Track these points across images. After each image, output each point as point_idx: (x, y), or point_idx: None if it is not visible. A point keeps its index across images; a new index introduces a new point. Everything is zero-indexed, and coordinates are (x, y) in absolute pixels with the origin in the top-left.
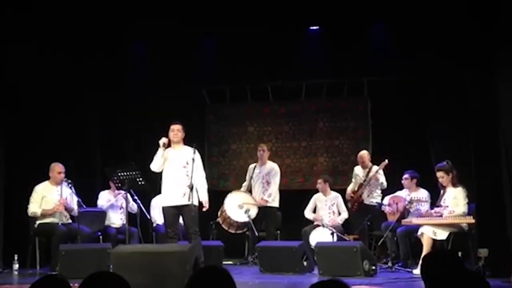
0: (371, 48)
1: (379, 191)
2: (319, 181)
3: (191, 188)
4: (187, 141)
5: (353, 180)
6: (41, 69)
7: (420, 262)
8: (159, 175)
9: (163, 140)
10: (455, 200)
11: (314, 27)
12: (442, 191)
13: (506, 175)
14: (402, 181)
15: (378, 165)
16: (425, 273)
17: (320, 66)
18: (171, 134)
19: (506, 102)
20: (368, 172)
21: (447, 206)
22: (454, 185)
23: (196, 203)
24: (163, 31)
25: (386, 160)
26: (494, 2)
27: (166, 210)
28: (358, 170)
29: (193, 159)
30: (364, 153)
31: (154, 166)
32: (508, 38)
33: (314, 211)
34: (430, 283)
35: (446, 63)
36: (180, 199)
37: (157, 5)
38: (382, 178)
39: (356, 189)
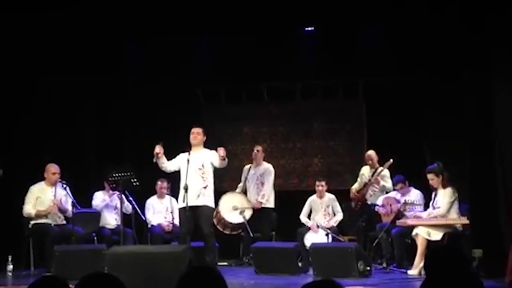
0: (366, 49)
1: (383, 193)
2: (322, 183)
3: (186, 189)
4: (183, 142)
5: (358, 180)
6: (33, 72)
7: (428, 255)
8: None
9: (156, 150)
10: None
11: (309, 28)
12: (434, 193)
13: (500, 175)
14: (397, 190)
15: (382, 165)
16: (430, 267)
17: (315, 67)
18: (191, 136)
19: (501, 103)
20: (374, 172)
21: (439, 208)
22: (444, 186)
23: (211, 204)
24: (158, 31)
25: (391, 160)
26: (486, 6)
27: (181, 211)
28: (364, 170)
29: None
30: (371, 153)
31: (165, 170)
32: (502, 40)
33: (310, 214)
34: (431, 278)
35: (441, 64)
36: (195, 200)
37: (152, 5)
38: (386, 182)
39: (360, 188)
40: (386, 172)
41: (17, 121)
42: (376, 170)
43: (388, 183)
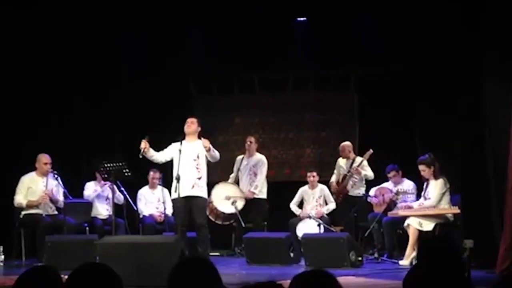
0: (358, 40)
1: (363, 182)
2: (313, 174)
3: (178, 179)
4: (174, 133)
5: (335, 171)
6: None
7: (421, 245)
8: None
9: (141, 145)
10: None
11: (301, 18)
12: (425, 183)
13: (491, 165)
14: (389, 178)
15: (363, 156)
16: (423, 257)
17: (307, 58)
18: (185, 126)
19: (492, 96)
20: (352, 163)
21: (430, 198)
22: (436, 177)
23: (205, 196)
24: (150, 23)
25: (371, 150)
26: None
27: (175, 202)
28: (341, 162)
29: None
30: (345, 144)
31: (156, 161)
32: (494, 35)
33: (300, 203)
34: (424, 268)
35: (433, 55)
36: (189, 191)
37: None
38: (366, 171)
39: (340, 180)
40: (364, 162)
41: (9, 113)
42: (353, 160)
43: (369, 172)
